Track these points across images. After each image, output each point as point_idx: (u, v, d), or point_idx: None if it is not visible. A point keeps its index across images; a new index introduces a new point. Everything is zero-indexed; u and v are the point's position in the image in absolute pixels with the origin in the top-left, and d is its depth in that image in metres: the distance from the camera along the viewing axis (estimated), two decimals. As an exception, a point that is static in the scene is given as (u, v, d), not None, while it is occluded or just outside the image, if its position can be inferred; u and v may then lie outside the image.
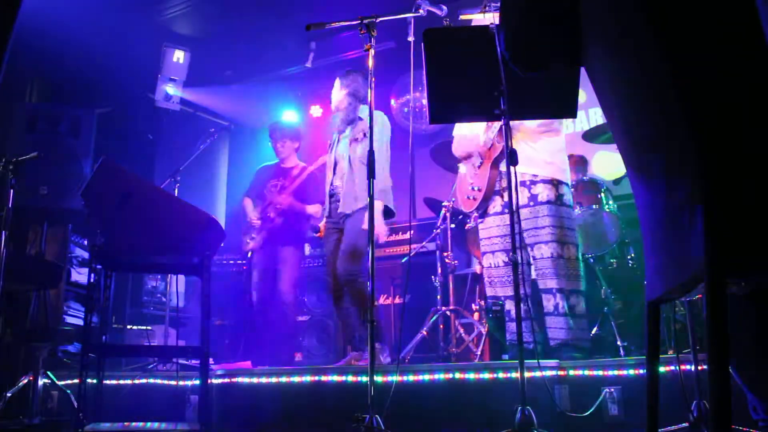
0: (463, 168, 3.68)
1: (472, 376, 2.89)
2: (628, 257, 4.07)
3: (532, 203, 3.24)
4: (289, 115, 6.85)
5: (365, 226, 2.85)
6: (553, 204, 3.20)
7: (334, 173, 4.04)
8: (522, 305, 3.23)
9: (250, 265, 4.90)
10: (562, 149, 3.36)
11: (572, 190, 3.52)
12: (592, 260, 3.88)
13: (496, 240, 3.40)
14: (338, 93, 4.08)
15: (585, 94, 4.67)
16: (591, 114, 5.61)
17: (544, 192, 3.22)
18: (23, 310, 4.25)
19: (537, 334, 3.22)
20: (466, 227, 4.39)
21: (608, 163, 4.40)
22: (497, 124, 3.30)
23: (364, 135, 3.82)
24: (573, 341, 3.09)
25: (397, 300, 4.95)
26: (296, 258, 4.80)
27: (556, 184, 3.24)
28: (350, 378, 3.13)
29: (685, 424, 2.20)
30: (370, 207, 2.80)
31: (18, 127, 4.51)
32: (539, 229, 3.20)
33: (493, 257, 3.41)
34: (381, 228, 3.69)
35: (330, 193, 4.04)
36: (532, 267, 3.27)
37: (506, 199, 3.32)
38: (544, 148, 3.29)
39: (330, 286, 3.98)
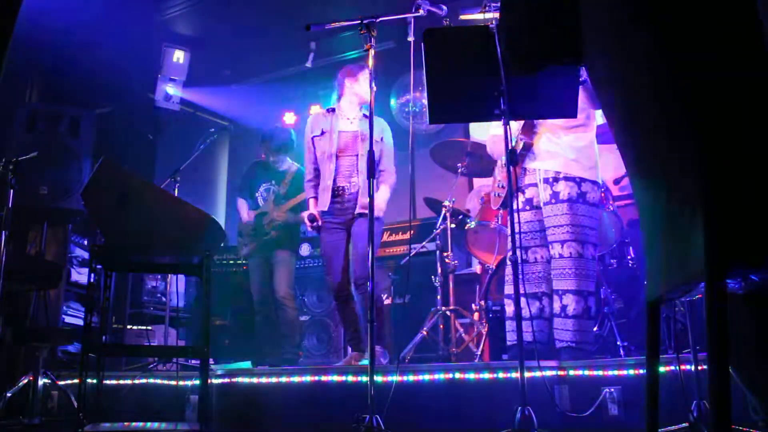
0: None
1: (472, 376, 2.89)
2: (628, 257, 4.06)
3: (553, 201, 3.19)
4: (287, 117, 6.84)
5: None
6: (574, 202, 3.14)
7: (337, 171, 3.88)
8: (537, 303, 3.25)
9: (250, 265, 4.90)
10: (589, 145, 3.26)
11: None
12: (592, 260, 3.88)
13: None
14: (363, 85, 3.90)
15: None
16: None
17: (565, 190, 3.17)
18: (23, 310, 4.25)
19: (539, 333, 3.21)
20: (466, 227, 4.39)
21: (608, 163, 4.39)
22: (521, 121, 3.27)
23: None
24: (577, 344, 3.07)
25: (397, 300, 4.95)
26: (291, 259, 4.82)
27: (579, 181, 3.18)
28: (350, 378, 3.13)
29: (685, 424, 2.20)
30: (370, 207, 2.80)
31: (18, 127, 4.52)
32: (557, 228, 3.16)
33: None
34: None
35: (336, 192, 3.88)
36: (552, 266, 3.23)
37: (527, 195, 3.32)
38: (568, 144, 3.22)
39: (334, 286, 3.88)
